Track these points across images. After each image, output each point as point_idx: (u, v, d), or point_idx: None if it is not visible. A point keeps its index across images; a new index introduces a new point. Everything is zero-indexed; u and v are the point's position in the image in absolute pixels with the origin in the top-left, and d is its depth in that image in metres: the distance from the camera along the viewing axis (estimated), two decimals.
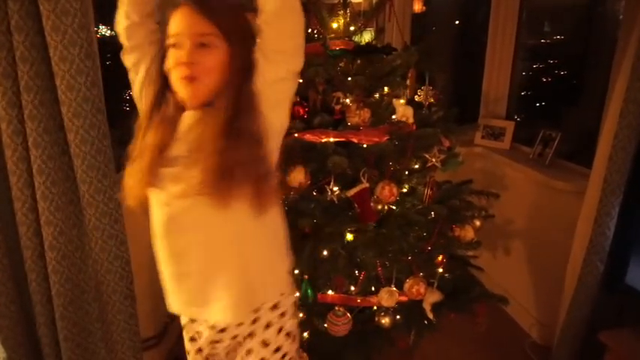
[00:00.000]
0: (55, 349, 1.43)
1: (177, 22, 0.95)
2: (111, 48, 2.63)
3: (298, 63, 0.99)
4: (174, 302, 1.08)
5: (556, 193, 2.21)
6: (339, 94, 1.66)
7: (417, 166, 1.77)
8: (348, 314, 1.60)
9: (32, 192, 1.29)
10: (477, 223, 1.86)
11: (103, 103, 1.34)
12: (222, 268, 1.02)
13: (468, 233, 1.74)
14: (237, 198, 0.94)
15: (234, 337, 1.11)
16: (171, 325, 2.25)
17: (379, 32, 1.87)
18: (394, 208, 1.78)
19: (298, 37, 0.97)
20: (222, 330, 1.10)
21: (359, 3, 1.89)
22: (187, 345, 1.18)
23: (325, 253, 1.65)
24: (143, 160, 0.98)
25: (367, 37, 2.80)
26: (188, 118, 0.99)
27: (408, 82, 1.81)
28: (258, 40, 0.97)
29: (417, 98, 1.91)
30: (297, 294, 1.23)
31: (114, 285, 1.42)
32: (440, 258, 1.83)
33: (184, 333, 1.19)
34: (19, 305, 1.41)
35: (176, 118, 0.99)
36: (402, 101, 1.74)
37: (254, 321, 1.09)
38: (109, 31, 2.64)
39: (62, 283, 1.36)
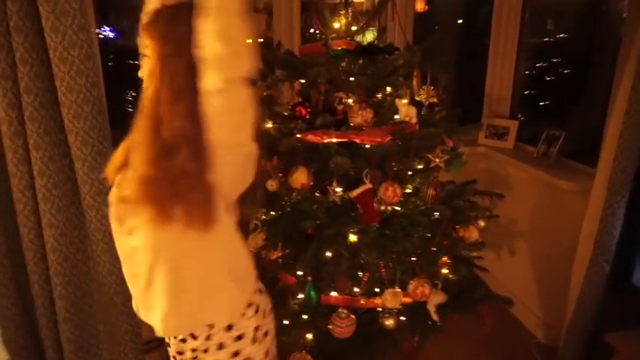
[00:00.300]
0: (58, 351, 1.43)
1: None
2: (112, 49, 2.64)
3: (237, 71, 0.87)
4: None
5: (561, 192, 2.20)
6: (342, 94, 1.65)
7: (420, 167, 1.75)
8: (352, 316, 1.59)
9: (33, 194, 1.29)
10: (482, 223, 1.85)
11: (104, 104, 1.34)
12: (161, 278, 0.98)
13: (472, 234, 1.73)
14: (174, 212, 0.90)
15: (194, 350, 1.08)
16: None
17: (381, 32, 1.86)
18: (398, 208, 1.76)
19: (235, 43, 0.86)
20: (183, 340, 1.08)
21: (361, 2, 1.88)
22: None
23: (329, 254, 1.64)
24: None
25: (369, 36, 2.79)
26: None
27: (414, 81, 1.80)
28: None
29: (418, 98, 1.90)
30: (267, 321, 1.16)
31: (116, 287, 1.41)
32: (444, 259, 1.82)
33: None
34: (21, 307, 1.40)
35: None
36: (404, 101, 1.73)
37: (207, 337, 1.06)
38: (111, 33, 2.65)
39: (64, 285, 1.35)
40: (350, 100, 1.67)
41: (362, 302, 1.69)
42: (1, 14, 1.17)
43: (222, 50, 0.84)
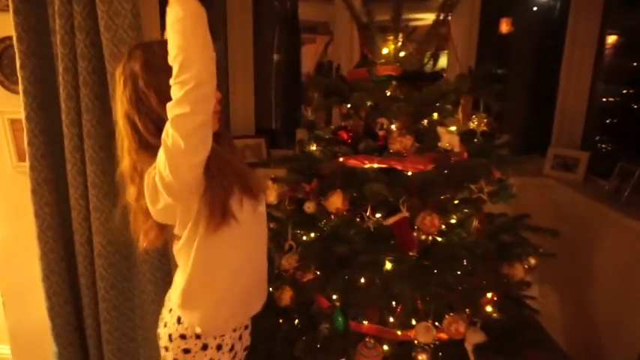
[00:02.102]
0: (99, 349, 1.54)
1: None
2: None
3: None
4: None
5: (633, 234, 1.99)
6: (384, 120, 1.64)
7: (462, 198, 1.68)
8: (379, 347, 1.55)
9: (84, 179, 1.41)
10: (532, 261, 1.72)
11: None
12: None
13: (517, 271, 1.62)
14: None
15: None
16: None
17: (433, 57, 1.82)
18: (440, 239, 1.70)
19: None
20: None
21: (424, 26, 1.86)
22: None
23: (362, 280, 1.62)
24: None
25: (443, 61, 2.74)
26: None
27: (460, 109, 1.74)
28: None
29: (471, 125, 1.83)
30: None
31: (153, 295, 1.50)
32: (489, 296, 1.72)
33: None
34: (71, 306, 1.53)
35: None
36: (453, 128, 1.68)
37: None
38: None
39: (107, 289, 1.46)
40: (393, 127, 1.65)
41: (393, 333, 1.64)
42: (67, 14, 1.30)
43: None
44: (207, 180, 0.97)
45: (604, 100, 3.04)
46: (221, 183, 0.98)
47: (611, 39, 2.88)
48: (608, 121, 3.04)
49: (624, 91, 3.06)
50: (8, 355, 1.84)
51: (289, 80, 3.48)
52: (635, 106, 3.01)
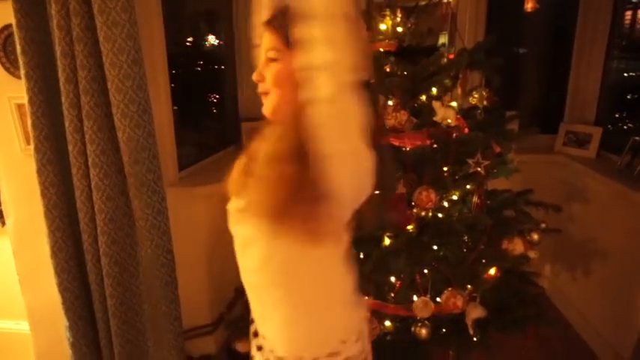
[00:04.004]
0: (107, 323, 1.61)
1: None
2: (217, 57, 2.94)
3: (349, 76, 0.79)
4: None
5: None
6: (380, 96, 1.63)
7: (461, 173, 1.67)
8: (375, 321, 1.57)
9: (88, 182, 1.47)
10: (535, 236, 1.71)
11: (150, 105, 1.47)
12: (272, 291, 0.98)
13: (517, 246, 1.61)
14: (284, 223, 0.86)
15: None
16: (227, 315, 2.38)
17: (428, 33, 1.79)
18: (440, 215, 1.70)
19: (345, 48, 0.78)
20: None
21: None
22: None
23: (361, 256, 1.63)
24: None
25: (443, 39, 2.71)
26: (267, 134, 0.96)
27: (459, 83, 1.73)
28: None
29: (472, 101, 1.81)
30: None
31: (160, 290, 1.56)
32: (492, 272, 1.71)
33: None
34: (80, 282, 1.61)
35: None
36: (453, 104, 1.67)
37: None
38: (216, 41, 2.94)
39: (111, 266, 1.52)
40: (389, 102, 1.65)
41: (392, 308, 1.65)
42: (66, 27, 1.35)
43: (334, 56, 0.77)
44: None
45: (625, 75, 2.94)
46: None
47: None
48: (628, 97, 2.94)
49: None
50: (28, 332, 1.95)
51: None
52: None
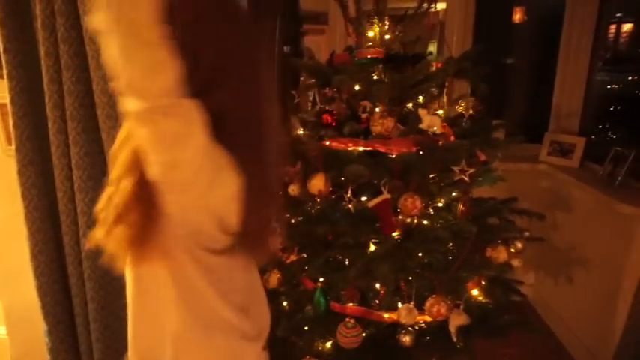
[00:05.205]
0: (87, 327, 1.58)
1: None
2: None
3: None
4: None
5: (623, 217, 1.97)
6: (366, 102, 1.64)
7: (447, 181, 1.68)
8: (359, 327, 1.56)
9: (71, 185, 1.45)
10: (519, 244, 1.72)
11: None
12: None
13: (501, 254, 1.62)
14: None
15: None
16: None
17: (415, 42, 1.81)
18: (425, 222, 1.71)
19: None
20: None
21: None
22: None
23: (346, 262, 1.63)
24: None
25: (431, 48, 2.74)
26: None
27: (445, 92, 1.74)
28: None
29: (458, 109, 1.83)
30: None
31: None
32: (475, 279, 1.72)
33: None
34: (60, 284, 1.58)
35: None
36: (440, 112, 1.69)
37: None
38: None
39: (93, 269, 1.50)
40: (377, 109, 1.66)
41: (377, 315, 1.65)
42: (51, 26, 1.34)
43: (125, 75, 0.64)
44: None
45: (609, 87, 3.00)
46: None
47: (627, 27, 2.84)
48: (611, 109, 3.00)
49: (629, 78, 3.02)
50: (5, 336, 1.91)
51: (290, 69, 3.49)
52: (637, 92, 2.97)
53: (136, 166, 0.76)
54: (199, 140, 0.70)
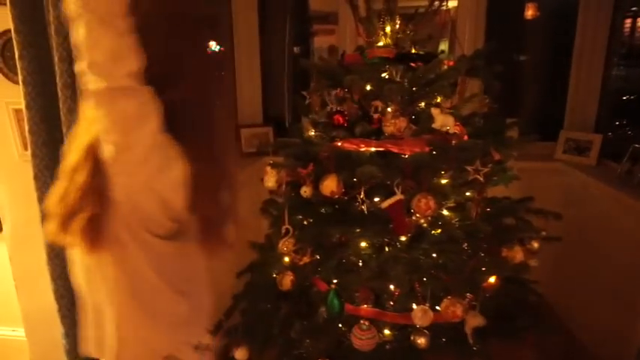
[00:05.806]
0: None
1: None
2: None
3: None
4: None
5: None
6: (378, 102, 1.63)
7: (461, 180, 1.66)
8: (374, 329, 1.55)
9: None
10: (535, 244, 1.69)
11: None
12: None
13: (517, 254, 1.59)
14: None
15: None
16: (225, 322, 2.36)
17: (427, 40, 1.79)
18: (439, 222, 1.69)
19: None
20: None
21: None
22: None
23: (360, 263, 1.62)
24: None
25: (443, 46, 2.72)
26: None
27: (457, 90, 1.72)
28: None
29: (471, 108, 1.80)
30: None
31: None
32: (491, 280, 1.70)
33: None
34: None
35: None
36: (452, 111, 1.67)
37: None
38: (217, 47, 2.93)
39: None
40: (389, 109, 1.64)
41: (391, 316, 1.64)
42: (64, 33, 1.34)
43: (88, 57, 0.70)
44: None
45: (625, 82, 2.94)
46: None
47: None
48: (628, 104, 2.95)
49: None
50: (24, 338, 1.93)
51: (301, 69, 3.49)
52: None
53: (91, 153, 0.80)
54: (153, 126, 0.75)
